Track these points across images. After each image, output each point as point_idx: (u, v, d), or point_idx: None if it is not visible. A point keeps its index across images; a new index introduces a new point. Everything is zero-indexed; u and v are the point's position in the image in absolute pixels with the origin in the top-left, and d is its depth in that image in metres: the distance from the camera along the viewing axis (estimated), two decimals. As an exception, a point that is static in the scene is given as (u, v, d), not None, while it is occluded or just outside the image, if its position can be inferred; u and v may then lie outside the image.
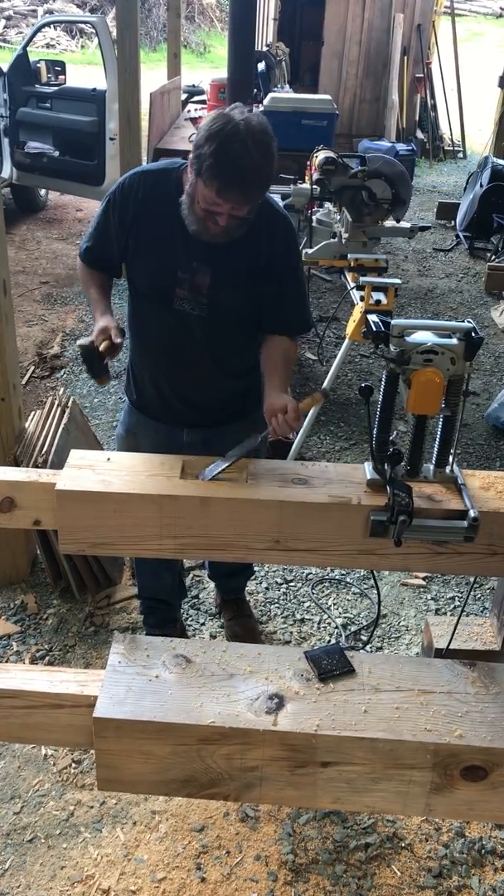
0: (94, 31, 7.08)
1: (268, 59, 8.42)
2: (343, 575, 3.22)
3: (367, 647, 2.87)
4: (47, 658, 2.75)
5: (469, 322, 1.84)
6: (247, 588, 3.08)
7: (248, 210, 1.94)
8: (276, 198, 2.15)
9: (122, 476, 1.89)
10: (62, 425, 3.09)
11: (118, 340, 1.99)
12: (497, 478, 1.95)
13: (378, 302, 3.40)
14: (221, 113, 1.88)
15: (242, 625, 2.86)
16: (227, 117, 1.85)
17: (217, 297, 2.08)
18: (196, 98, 8.25)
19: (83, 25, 16.86)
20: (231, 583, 2.92)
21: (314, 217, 4.53)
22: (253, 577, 3.17)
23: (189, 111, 7.75)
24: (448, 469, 1.93)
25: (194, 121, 6.99)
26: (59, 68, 7.46)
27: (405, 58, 10.61)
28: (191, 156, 1.90)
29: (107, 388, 4.60)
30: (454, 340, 1.81)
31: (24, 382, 4.51)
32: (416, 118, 11.03)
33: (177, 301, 2.10)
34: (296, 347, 2.29)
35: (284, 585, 3.16)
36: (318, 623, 2.98)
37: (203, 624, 2.95)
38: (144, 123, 6.52)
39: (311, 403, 2.00)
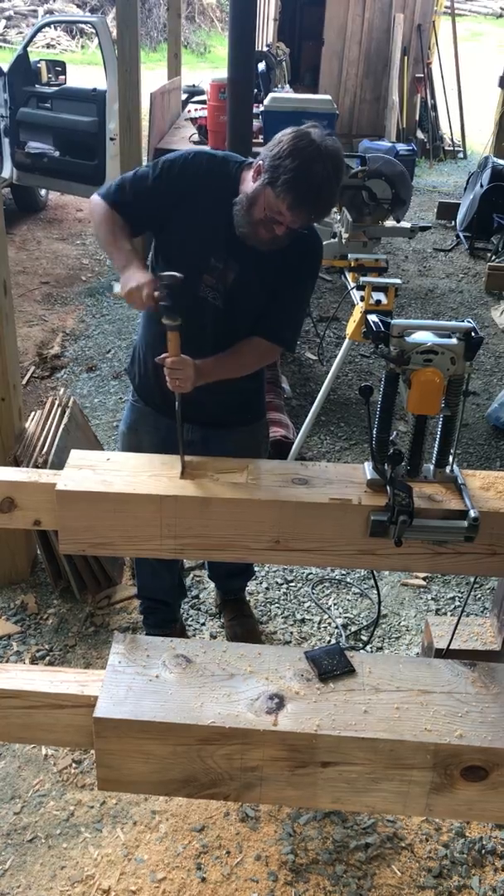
0: (94, 31, 7.09)
1: (268, 59, 8.41)
2: (343, 575, 3.22)
3: (368, 648, 2.87)
4: (47, 658, 2.75)
5: (469, 322, 1.84)
6: (247, 588, 3.09)
7: (304, 226, 2.02)
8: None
9: (123, 476, 1.89)
10: (62, 425, 3.09)
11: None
12: (497, 478, 1.95)
13: (378, 302, 3.40)
14: (304, 131, 1.91)
15: (243, 625, 2.86)
16: (311, 136, 1.90)
17: (236, 293, 2.12)
18: (196, 98, 8.24)
19: (83, 25, 16.85)
20: (231, 584, 2.92)
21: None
22: (253, 578, 3.18)
23: (189, 111, 7.74)
24: (448, 469, 1.93)
25: (194, 121, 6.98)
26: (59, 68, 7.46)
27: (405, 58, 10.61)
28: (263, 162, 1.94)
29: (107, 388, 4.60)
30: (454, 340, 1.81)
31: (24, 382, 4.51)
32: (417, 118, 11.03)
33: (202, 287, 2.12)
34: (272, 352, 2.26)
35: (284, 585, 3.16)
36: (319, 623, 2.98)
37: (203, 624, 2.95)
38: (144, 123, 6.52)
39: (171, 344, 1.96)
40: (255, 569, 3.22)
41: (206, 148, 2.17)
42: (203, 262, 2.11)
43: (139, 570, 2.74)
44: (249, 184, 2.03)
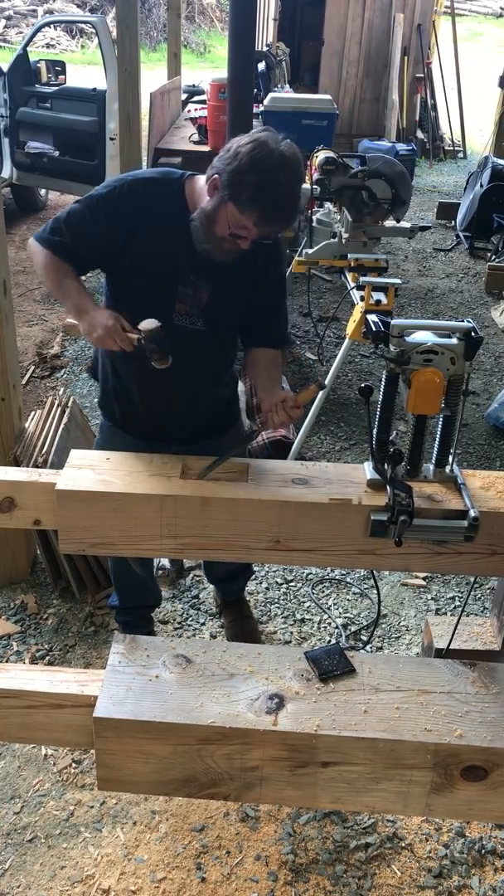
0: (94, 31, 7.08)
1: (268, 59, 8.41)
2: (343, 575, 3.22)
3: (368, 647, 2.87)
4: (47, 658, 2.75)
5: (469, 322, 1.84)
6: (247, 588, 3.09)
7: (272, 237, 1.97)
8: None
9: (122, 476, 1.89)
10: (62, 425, 3.09)
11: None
12: (497, 478, 1.95)
13: (378, 302, 3.40)
14: (260, 140, 1.82)
15: (243, 626, 2.86)
16: (267, 146, 1.81)
17: (215, 311, 2.06)
18: (196, 98, 8.23)
19: (83, 25, 16.86)
20: (231, 586, 2.90)
21: (314, 217, 4.53)
22: (253, 578, 3.18)
23: (189, 111, 7.74)
24: (448, 469, 1.93)
25: (194, 121, 6.98)
26: (59, 68, 7.46)
27: (405, 58, 10.61)
28: (220, 176, 1.85)
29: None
30: (454, 340, 1.82)
31: (24, 382, 4.51)
32: (416, 118, 11.03)
33: (177, 316, 2.04)
34: (281, 355, 2.29)
35: (284, 585, 3.16)
36: (319, 623, 2.98)
37: (203, 624, 2.95)
38: (144, 123, 6.52)
39: (309, 395, 1.99)
40: (255, 569, 3.22)
41: (136, 173, 2.08)
42: (171, 291, 2.02)
43: (122, 584, 2.61)
44: (204, 198, 1.94)
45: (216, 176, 1.87)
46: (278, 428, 2.07)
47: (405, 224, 4.63)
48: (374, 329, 1.83)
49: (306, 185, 4.56)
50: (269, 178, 1.80)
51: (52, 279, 2.05)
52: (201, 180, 1.98)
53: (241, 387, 3.93)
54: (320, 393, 3.75)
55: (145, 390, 2.17)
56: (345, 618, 3.01)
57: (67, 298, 2.03)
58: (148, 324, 1.89)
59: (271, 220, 1.87)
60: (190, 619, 2.96)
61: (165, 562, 3.13)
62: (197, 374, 2.14)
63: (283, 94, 7.18)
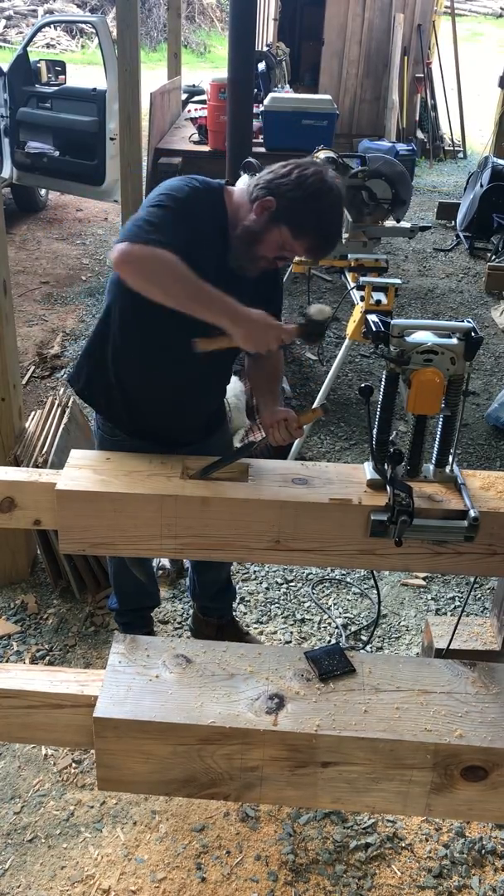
0: (94, 31, 7.09)
1: (268, 59, 8.41)
2: (343, 575, 3.22)
3: (368, 648, 2.87)
4: (47, 658, 2.75)
5: (469, 322, 1.84)
6: (246, 588, 3.09)
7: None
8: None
9: (122, 476, 1.89)
10: (62, 425, 3.09)
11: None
12: (497, 478, 1.95)
13: (378, 302, 3.41)
14: (321, 172, 1.89)
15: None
16: (327, 180, 1.88)
17: None
18: (196, 98, 8.24)
19: (83, 25, 16.87)
20: (220, 604, 2.77)
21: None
22: (253, 578, 3.18)
23: (189, 111, 7.74)
24: (448, 469, 1.93)
25: (194, 121, 6.98)
26: (59, 68, 7.46)
27: (405, 58, 10.61)
28: (275, 199, 1.86)
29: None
30: (454, 340, 1.82)
31: (24, 382, 4.51)
32: (416, 118, 11.03)
33: (200, 326, 1.96)
34: (281, 359, 2.32)
35: (284, 585, 3.16)
36: (319, 623, 2.98)
37: (203, 624, 2.95)
38: (144, 123, 6.52)
39: (311, 418, 2.03)
40: (255, 568, 3.22)
41: (191, 176, 1.98)
42: None
43: (122, 587, 2.56)
44: (242, 212, 1.92)
45: (270, 198, 1.88)
46: (278, 443, 2.09)
47: (405, 224, 4.64)
48: (374, 329, 1.83)
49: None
50: (329, 210, 1.90)
51: (187, 282, 1.78)
52: (236, 193, 1.98)
53: (241, 386, 3.94)
54: (319, 394, 3.76)
55: (160, 396, 2.12)
56: (345, 618, 3.01)
57: (212, 303, 1.80)
58: (319, 313, 1.93)
59: (321, 249, 1.96)
60: (190, 618, 2.95)
61: (165, 562, 3.13)
62: (209, 382, 2.18)
63: (283, 94, 7.18)
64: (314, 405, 2.01)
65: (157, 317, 1.90)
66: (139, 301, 1.86)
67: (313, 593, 3.12)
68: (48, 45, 16.78)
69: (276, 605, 3.06)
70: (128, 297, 1.95)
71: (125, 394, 2.12)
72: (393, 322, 1.81)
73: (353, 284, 3.72)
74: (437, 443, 1.93)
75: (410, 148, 8.91)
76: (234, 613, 2.85)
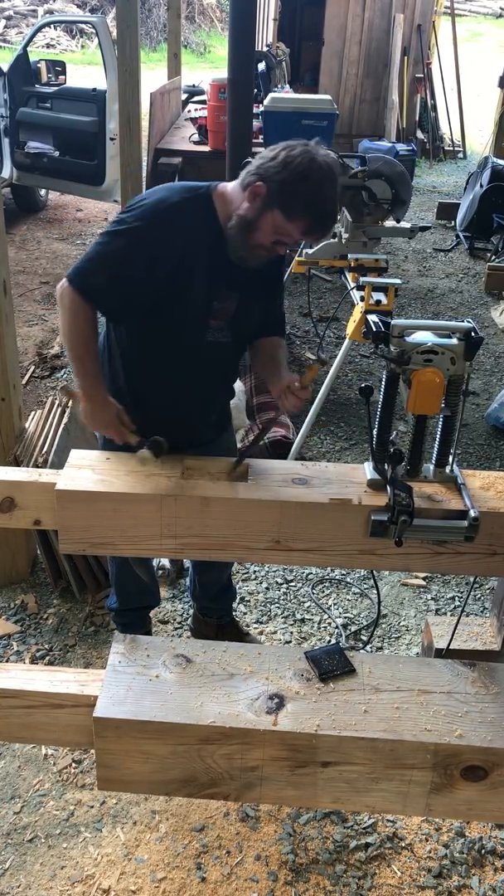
0: (94, 31, 7.09)
1: (268, 60, 8.40)
2: (343, 575, 3.22)
3: (368, 647, 2.87)
4: (47, 658, 2.75)
5: (469, 322, 1.84)
6: (246, 588, 3.09)
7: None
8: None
9: (122, 476, 1.89)
10: (62, 425, 3.09)
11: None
12: (497, 478, 1.95)
13: (378, 302, 3.40)
14: (309, 153, 1.83)
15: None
16: (316, 159, 1.82)
17: (241, 320, 2.03)
18: (196, 98, 8.23)
19: (83, 25, 16.86)
20: (221, 604, 2.77)
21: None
22: (253, 578, 3.18)
23: (189, 111, 7.74)
24: (448, 469, 1.93)
25: (194, 121, 6.97)
26: (59, 68, 7.46)
27: (405, 58, 10.61)
28: (266, 184, 1.83)
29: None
30: (454, 340, 1.82)
31: (24, 382, 4.51)
32: (416, 118, 11.03)
33: (210, 332, 2.01)
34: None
35: (284, 585, 3.16)
36: (319, 623, 2.98)
37: (203, 624, 2.95)
38: (144, 123, 6.51)
39: (312, 375, 1.99)
40: (255, 568, 3.22)
41: (163, 197, 1.93)
42: (206, 310, 1.98)
43: (123, 587, 2.55)
44: (236, 204, 1.90)
45: (260, 183, 1.84)
46: (291, 411, 2.08)
47: (405, 224, 4.63)
48: (374, 329, 1.83)
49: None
50: (319, 188, 1.83)
51: (77, 340, 1.96)
52: (229, 187, 1.95)
53: (241, 386, 3.94)
54: (319, 394, 3.76)
55: (169, 404, 2.13)
56: (345, 618, 3.01)
57: (83, 374, 1.99)
58: (144, 452, 1.95)
59: (317, 229, 1.90)
60: (190, 618, 2.95)
61: (165, 562, 3.13)
62: (218, 385, 2.19)
63: (283, 95, 7.17)
64: (310, 362, 1.99)
65: (162, 324, 1.98)
66: (138, 343, 2.05)
67: (313, 593, 3.12)
68: (48, 46, 16.78)
69: (276, 605, 3.06)
70: (130, 344, 2.09)
71: (135, 399, 2.12)
72: (393, 322, 1.81)
73: (353, 284, 3.72)
74: (437, 443, 1.93)
75: (410, 148, 8.91)
76: (234, 613, 2.85)
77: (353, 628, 2.97)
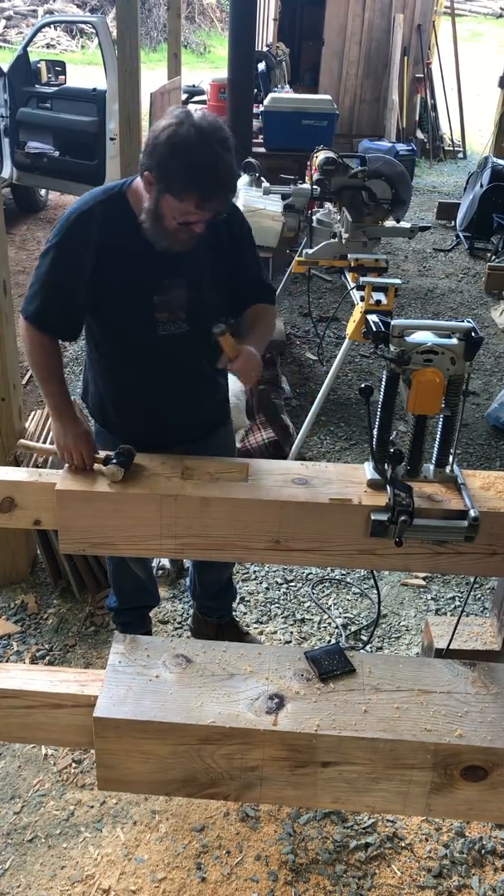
0: (94, 31, 7.09)
1: (268, 60, 8.41)
2: (343, 575, 3.22)
3: (368, 647, 2.87)
4: (47, 658, 2.75)
5: (469, 322, 1.84)
6: (246, 588, 3.08)
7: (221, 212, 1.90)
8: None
9: (122, 475, 1.89)
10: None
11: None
12: (497, 478, 1.95)
13: (378, 302, 3.40)
14: (172, 123, 1.75)
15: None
16: (181, 126, 1.74)
17: (197, 305, 2.01)
18: (196, 98, 8.24)
19: (83, 25, 16.86)
20: (221, 603, 2.76)
21: (314, 217, 4.53)
22: (253, 578, 3.18)
23: (189, 111, 7.75)
24: (448, 469, 1.93)
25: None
26: (59, 68, 7.46)
27: (405, 58, 10.61)
28: (150, 172, 1.80)
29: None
30: (454, 340, 1.82)
31: (24, 382, 4.51)
32: (416, 118, 11.03)
33: (160, 326, 2.00)
34: (273, 311, 2.24)
35: (284, 585, 3.16)
36: (319, 623, 2.98)
37: (203, 624, 2.94)
38: (144, 123, 6.52)
39: (226, 347, 1.90)
40: (255, 568, 3.22)
41: (78, 204, 1.97)
42: (148, 307, 1.97)
43: (121, 586, 2.55)
44: (144, 196, 1.87)
45: (147, 172, 1.81)
46: (246, 384, 2.05)
47: (405, 224, 4.63)
48: (374, 329, 1.83)
49: (305, 185, 4.58)
50: (192, 157, 1.73)
51: (39, 366, 2.08)
52: (139, 180, 1.92)
53: (241, 386, 3.94)
54: (319, 394, 3.76)
55: (142, 402, 2.15)
56: (345, 618, 3.01)
57: (50, 396, 2.08)
58: (115, 472, 1.89)
59: (211, 197, 1.80)
60: (190, 618, 2.95)
61: (165, 562, 3.13)
62: (190, 372, 2.11)
63: (283, 95, 7.18)
64: (216, 333, 1.93)
65: (111, 328, 2.04)
66: (97, 347, 2.10)
67: (313, 593, 3.12)
68: (48, 46, 16.78)
69: (276, 605, 3.06)
70: (93, 351, 2.14)
71: (115, 403, 2.18)
72: (393, 322, 1.81)
73: (352, 284, 3.72)
74: (437, 443, 1.93)
75: (410, 148, 8.92)
76: (234, 613, 2.85)
77: (353, 628, 2.97)
